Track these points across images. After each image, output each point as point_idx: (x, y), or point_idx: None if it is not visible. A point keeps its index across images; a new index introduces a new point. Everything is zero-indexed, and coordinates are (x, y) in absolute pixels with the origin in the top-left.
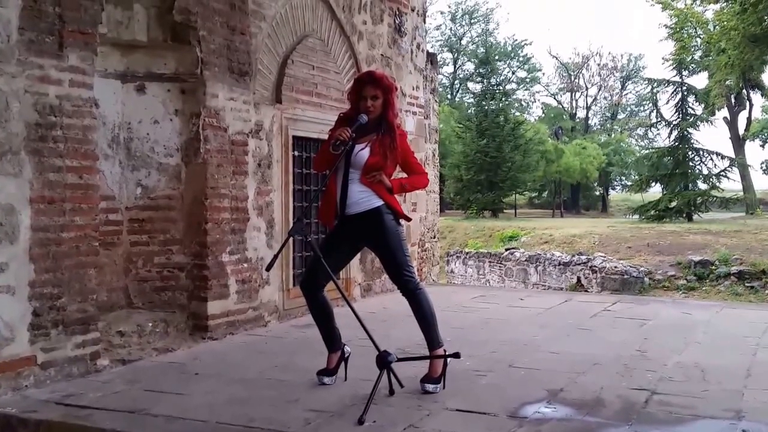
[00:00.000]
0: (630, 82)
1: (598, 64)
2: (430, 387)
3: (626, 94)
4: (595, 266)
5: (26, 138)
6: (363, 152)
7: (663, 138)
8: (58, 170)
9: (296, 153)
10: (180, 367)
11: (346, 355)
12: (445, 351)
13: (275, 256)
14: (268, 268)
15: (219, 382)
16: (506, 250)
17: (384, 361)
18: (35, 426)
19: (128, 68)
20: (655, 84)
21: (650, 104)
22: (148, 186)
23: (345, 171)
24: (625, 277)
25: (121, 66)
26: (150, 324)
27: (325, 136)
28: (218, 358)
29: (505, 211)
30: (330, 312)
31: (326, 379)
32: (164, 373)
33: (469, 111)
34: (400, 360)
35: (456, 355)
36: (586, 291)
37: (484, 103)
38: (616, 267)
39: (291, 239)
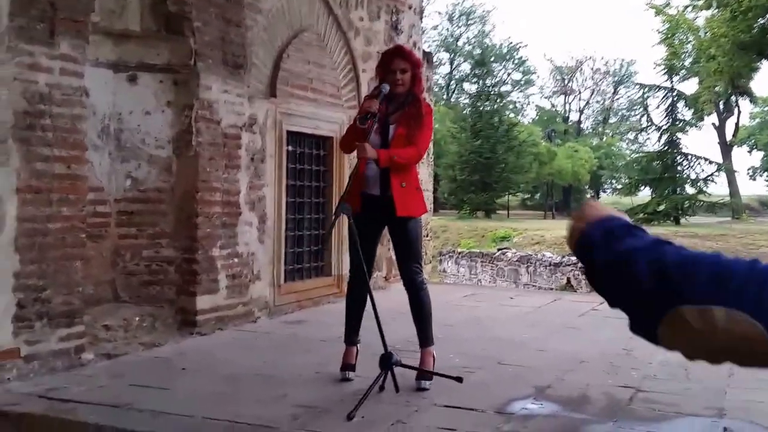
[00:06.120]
0: (622, 86)
1: (592, 69)
2: (425, 384)
3: (618, 98)
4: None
5: (14, 126)
6: (394, 129)
7: (653, 142)
8: (46, 160)
9: (290, 148)
10: (166, 362)
11: (394, 363)
12: (433, 355)
13: (328, 232)
14: (323, 243)
15: (206, 377)
16: (498, 250)
17: (387, 362)
18: (17, 419)
19: (120, 58)
20: (646, 89)
21: (641, 109)
22: (138, 178)
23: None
24: None
25: (113, 55)
26: (137, 318)
27: (319, 132)
28: (206, 354)
29: (497, 211)
30: (365, 304)
31: (351, 374)
32: (150, 368)
33: (465, 112)
34: (402, 366)
35: (459, 379)
36: (575, 291)
37: (479, 104)
38: None
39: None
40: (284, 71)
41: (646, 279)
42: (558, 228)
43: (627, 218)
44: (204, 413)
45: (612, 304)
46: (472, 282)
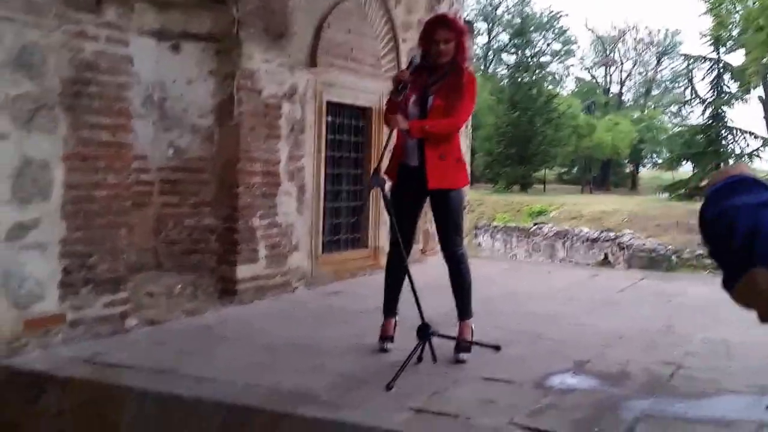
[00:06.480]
0: (666, 57)
1: (635, 39)
2: (464, 356)
3: (661, 69)
4: (622, 243)
5: (61, 94)
6: (432, 100)
7: (696, 116)
8: (92, 127)
9: (330, 118)
10: (207, 330)
11: (432, 334)
12: (472, 328)
13: (362, 207)
14: (356, 217)
15: (246, 345)
16: (534, 224)
17: (425, 333)
18: (63, 383)
19: (163, 27)
20: (691, 60)
21: (685, 81)
22: (180, 147)
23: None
24: (653, 255)
25: (157, 24)
26: (179, 286)
27: (359, 103)
28: (245, 323)
29: (534, 185)
30: (403, 278)
31: (388, 345)
32: (192, 335)
33: (502, 83)
34: (440, 336)
35: (497, 348)
36: (612, 267)
37: (517, 75)
38: (644, 244)
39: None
40: (325, 41)
41: (740, 238)
42: (596, 203)
43: (756, 176)
44: (244, 380)
45: (711, 256)
46: (507, 256)
